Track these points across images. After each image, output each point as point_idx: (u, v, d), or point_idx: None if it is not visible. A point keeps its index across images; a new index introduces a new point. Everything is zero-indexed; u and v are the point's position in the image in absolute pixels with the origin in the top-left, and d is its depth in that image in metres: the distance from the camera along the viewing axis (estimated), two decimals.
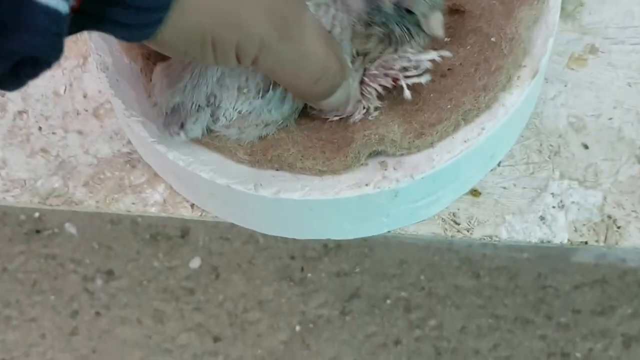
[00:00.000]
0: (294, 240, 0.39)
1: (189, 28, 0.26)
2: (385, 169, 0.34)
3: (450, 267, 1.07)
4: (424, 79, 0.32)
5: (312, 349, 1.01)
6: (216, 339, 1.00)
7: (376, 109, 0.33)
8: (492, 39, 0.34)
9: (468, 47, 0.35)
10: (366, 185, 0.33)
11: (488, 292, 1.06)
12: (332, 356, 1.02)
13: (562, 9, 0.42)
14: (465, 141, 0.33)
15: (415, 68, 0.32)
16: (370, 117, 0.34)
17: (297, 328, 1.02)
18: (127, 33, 0.25)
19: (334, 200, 0.34)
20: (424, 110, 0.34)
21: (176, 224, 1.03)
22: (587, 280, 1.04)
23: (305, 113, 0.35)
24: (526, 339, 1.04)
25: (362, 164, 0.34)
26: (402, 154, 0.34)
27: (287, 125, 0.34)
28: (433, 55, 0.32)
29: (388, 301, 1.04)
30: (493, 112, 0.34)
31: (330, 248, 1.05)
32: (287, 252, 1.05)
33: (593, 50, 0.42)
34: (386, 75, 0.33)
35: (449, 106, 0.34)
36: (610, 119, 0.40)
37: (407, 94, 0.32)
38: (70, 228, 1.06)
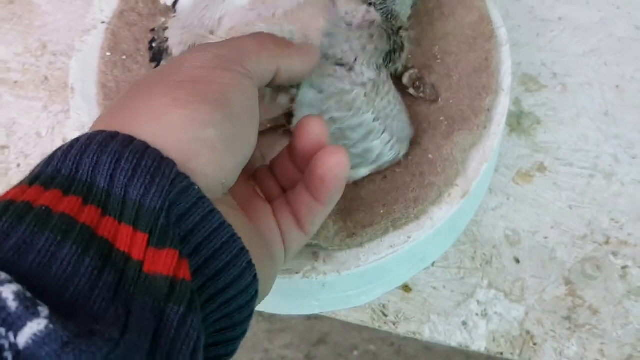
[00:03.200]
0: None
1: None
2: (316, 260, 0.38)
3: None
4: None
5: None
6: None
7: None
8: (430, 156, 0.38)
9: (410, 157, 0.39)
10: (296, 273, 0.38)
11: (459, 358, 1.09)
12: None
13: (519, 124, 0.46)
14: (391, 246, 0.38)
15: None
16: None
17: None
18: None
19: None
20: (359, 210, 0.38)
21: None
22: None
23: None
24: None
25: None
26: (333, 249, 0.38)
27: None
28: None
29: (355, 352, 1.08)
30: (421, 223, 0.38)
31: None
32: None
33: (541, 168, 0.46)
34: None
35: (381, 211, 0.38)
36: (546, 238, 0.44)
37: None
38: None
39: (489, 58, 0.40)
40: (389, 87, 0.37)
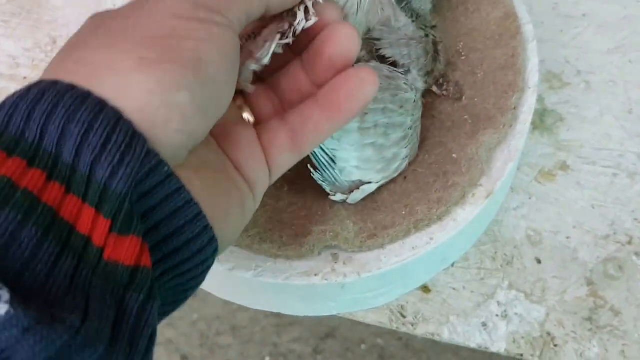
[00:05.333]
0: None
1: None
2: (336, 262, 0.38)
3: None
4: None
5: None
6: (184, 358, 1.05)
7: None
8: (454, 155, 0.38)
9: (432, 157, 0.39)
10: (315, 275, 0.37)
11: (465, 353, 1.09)
12: None
13: (542, 122, 0.46)
14: (413, 248, 0.37)
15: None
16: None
17: (267, 359, 1.06)
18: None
19: (284, 284, 0.38)
20: (380, 211, 0.38)
21: None
22: None
23: (270, 192, 0.39)
24: None
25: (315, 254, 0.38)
26: (353, 251, 0.38)
27: None
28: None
29: (363, 346, 1.08)
30: (444, 225, 0.37)
31: None
32: None
33: (564, 167, 0.45)
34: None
35: (403, 212, 0.38)
36: (568, 238, 0.44)
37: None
38: None
39: (515, 55, 0.39)
40: (422, 104, 0.38)
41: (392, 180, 0.39)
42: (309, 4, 0.29)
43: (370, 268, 0.37)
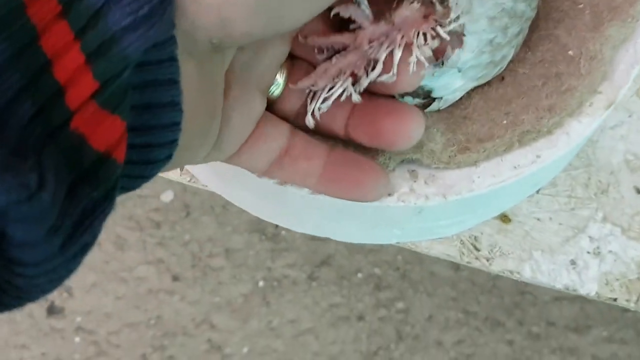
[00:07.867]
0: None
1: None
2: (415, 181, 0.30)
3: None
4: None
5: (271, 307, 1.00)
6: (175, 278, 0.98)
7: None
8: (570, 53, 0.30)
9: (538, 54, 0.30)
10: (389, 195, 0.29)
11: (464, 285, 1.05)
12: (291, 319, 1.01)
13: None
14: (515, 167, 0.29)
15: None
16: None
17: (260, 283, 1.00)
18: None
19: (347, 205, 0.30)
20: (472, 120, 0.30)
21: None
22: (568, 295, 1.03)
23: None
24: (492, 341, 1.03)
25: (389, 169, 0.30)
26: (437, 167, 0.30)
27: None
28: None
29: (359, 275, 1.03)
30: (554, 140, 0.29)
31: None
32: None
33: None
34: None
35: (504, 121, 0.29)
36: None
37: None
38: None
39: None
40: None
41: (486, 83, 0.31)
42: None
43: (460, 190, 0.29)
